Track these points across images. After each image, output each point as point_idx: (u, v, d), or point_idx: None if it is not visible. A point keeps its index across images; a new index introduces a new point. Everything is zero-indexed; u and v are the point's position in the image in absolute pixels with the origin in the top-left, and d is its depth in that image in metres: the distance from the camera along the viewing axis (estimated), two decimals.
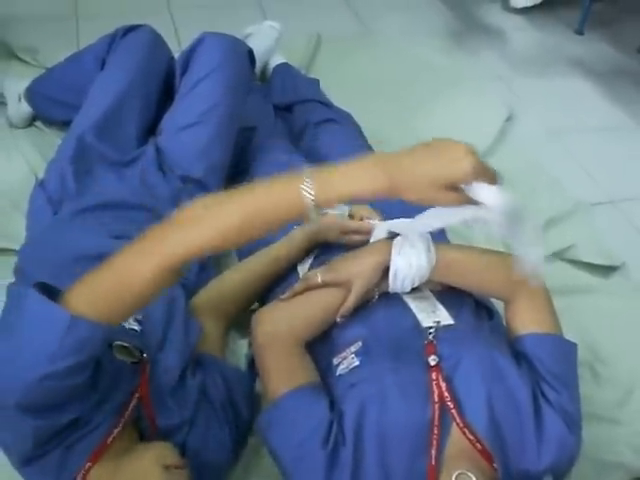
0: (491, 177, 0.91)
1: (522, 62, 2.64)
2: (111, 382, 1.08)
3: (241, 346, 1.46)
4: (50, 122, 2.08)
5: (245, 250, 1.48)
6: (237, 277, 1.42)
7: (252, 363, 1.34)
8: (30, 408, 0.95)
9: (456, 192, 0.90)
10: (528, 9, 2.88)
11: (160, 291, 0.94)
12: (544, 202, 1.88)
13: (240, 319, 1.47)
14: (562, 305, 1.46)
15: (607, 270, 1.71)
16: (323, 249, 1.40)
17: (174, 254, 0.90)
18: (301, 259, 1.41)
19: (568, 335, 1.22)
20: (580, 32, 2.80)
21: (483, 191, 0.88)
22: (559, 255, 1.72)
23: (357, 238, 1.33)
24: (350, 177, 0.92)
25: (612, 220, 1.88)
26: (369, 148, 1.90)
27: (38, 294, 0.91)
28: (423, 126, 2.17)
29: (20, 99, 2.08)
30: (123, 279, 0.91)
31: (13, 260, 1.53)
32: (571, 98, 2.44)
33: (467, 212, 0.91)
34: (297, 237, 1.39)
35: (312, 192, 0.90)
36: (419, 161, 0.91)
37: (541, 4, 2.86)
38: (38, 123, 2.10)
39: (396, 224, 1.25)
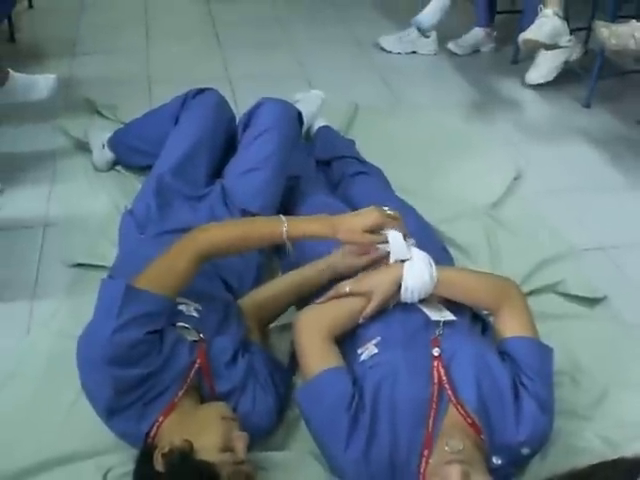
0: (393, 223, 1.53)
1: (533, 131, 2.88)
2: (173, 351, 1.39)
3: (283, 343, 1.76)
4: (129, 167, 2.41)
5: (288, 262, 1.80)
6: (276, 287, 1.73)
7: (292, 358, 1.65)
8: (110, 361, 1.30)
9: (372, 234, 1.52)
10: (541, 85, 3.13)
11: (193, 274, 1.46)
12: (542, 245, 2.14)
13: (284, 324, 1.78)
14: (552, 327, 1.74)
15: (591, 302, 1.96)
16: None
17: (200, 250, 1.45)
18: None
19: (556, 352, 1.49)
20: (587, 105, 3.02)
21: (389, 234, 1.53)
22: (551, 288, 1.98)
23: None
24: (310, 225, 1.53)
25: (599, 263, 2.13)
26: (396, 197, 2.14)
27: (110, 279, 1.35)
28: (443, 181, 2.45)
29: (104, 147, 2.40)
30: (170, 265, 1.44)
31: (99, 273, 1.88)
32: (574, 163, 2.66)
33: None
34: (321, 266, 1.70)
35: (287, 228, 1.48)
36: (350, 219, 1.53)
37: (553, 81, 3.11)
38: (119, 167, 2.43)
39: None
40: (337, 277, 1.65)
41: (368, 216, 1.52)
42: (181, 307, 1.50)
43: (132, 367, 1.33)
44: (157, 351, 1.37)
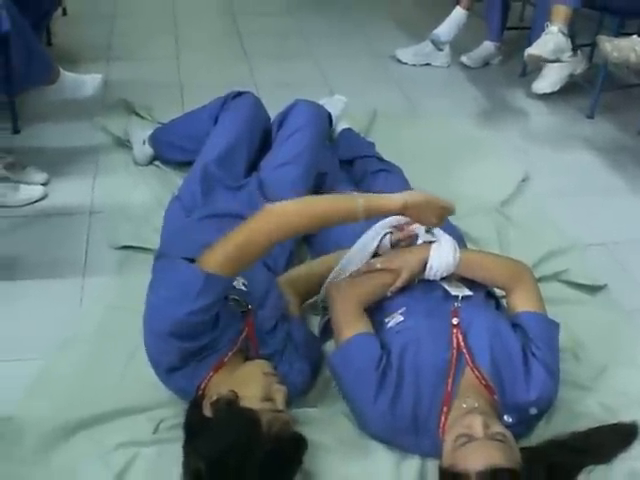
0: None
1: (539, 138, 3.07)
2: (227, 322, 1.56)
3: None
4: (167, 162, 2.57)
5: (316, 248, 2.02)
6: (319, 268, 1.90)
7: (323, 329, 1.84)
8: (178, 335, 1.47)
9: None
10: (547, 95, 3.30)
11: (264, 255, 1.56)
12: (547, 239, 2.31)
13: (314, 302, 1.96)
14: (557, 311, 1.86)
15: (593, 289, 2.14)
16: None
17: (276, 233, 1.50)
18: None
19: (560, 332, 1.66)
20: (590, 116, 3.21)
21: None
22: (556, 276, 2.16)
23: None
24: (383, 201, 1.60)
25: (601, 256, 2.31)
26: None
27: (186, 262, 1.49)
28: (457, 181, 2.61)
29: (144, 143, 2.57)
30: (244, 246, 1.49)
31: (144, 255, 2.10)
32: (578, 168, 2.84)
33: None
34: None
35: (362, 204, 1.54)
36: (420, 206, 1.63)
37: (558, 92, 3.28)
38: (157, 162, 2.59)
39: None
40: None
41: (429, 219, 1.69)
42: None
43: (195, 340, 1.50)
44: (216, 325, 1.53)
